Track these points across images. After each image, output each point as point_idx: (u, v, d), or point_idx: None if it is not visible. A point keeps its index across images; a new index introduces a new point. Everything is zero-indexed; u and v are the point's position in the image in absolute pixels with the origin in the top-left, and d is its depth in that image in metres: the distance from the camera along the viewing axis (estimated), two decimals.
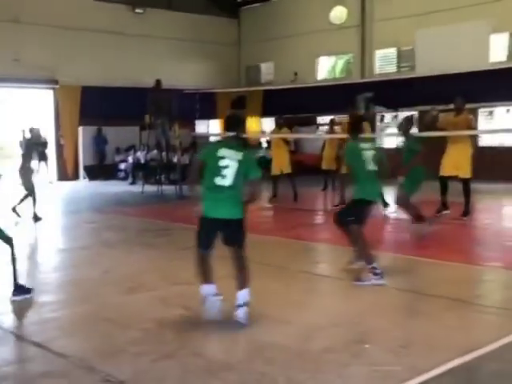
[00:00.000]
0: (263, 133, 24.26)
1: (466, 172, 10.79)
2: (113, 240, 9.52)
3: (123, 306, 5.83)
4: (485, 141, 18.43)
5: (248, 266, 5.39)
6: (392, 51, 22.69)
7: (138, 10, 23.57)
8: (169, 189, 16.30)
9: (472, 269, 7.32)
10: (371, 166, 6.77)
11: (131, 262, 7.90)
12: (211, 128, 26.87)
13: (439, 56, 19.30)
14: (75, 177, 21.95)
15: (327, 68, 25.19)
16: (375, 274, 6.45)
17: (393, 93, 18.79)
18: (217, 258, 5.59)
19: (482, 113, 19.98)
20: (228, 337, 4.88)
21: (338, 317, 5.41)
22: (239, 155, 5.29)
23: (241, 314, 5.18)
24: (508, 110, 19.75)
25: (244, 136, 5.37)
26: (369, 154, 6.83)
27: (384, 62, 23.06)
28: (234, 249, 5.39)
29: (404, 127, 9.74)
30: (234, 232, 5.35)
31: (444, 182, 10.97)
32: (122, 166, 22.08)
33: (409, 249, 8.73)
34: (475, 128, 11.53)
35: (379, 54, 23.03)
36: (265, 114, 25.89)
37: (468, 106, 12.21)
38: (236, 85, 27.02)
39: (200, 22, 25.33)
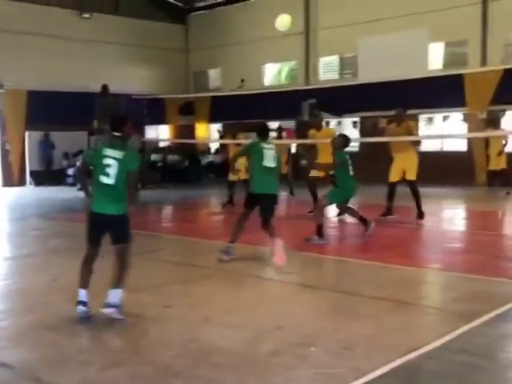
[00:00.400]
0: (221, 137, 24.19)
1: (412, 174, 11.14)
2: (60, 247, 9.33)
3: (70, 314, 5.72)
4: (425, 146, 18.84)
5: (128, 266, 5.67)
6: (335, 58, 23.01)
7: (85, 15, 23.30)
8: None
9: (413, 271, 7.45)
10: (269, 163, 7.87)
11: (78, 269, 7.75)
12: (161, 133, 26.71)
13: (380, 63, 19.72)
14: (21, 182, 21.48)
15: (273, 74, 25.36)
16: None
17: (336, 99, 19.05)
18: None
19: (422, 119, 20.46)
20: (177, 343, 4.84)
21: (284, 320, 5.44)
22: (121, 154, 5.52)
23: (106, 312, 5.41)
24: (446, 117, 20.27)
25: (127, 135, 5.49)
26: (269, 153, 7.92)
27: (328, 69, 23.36)
28: (119, 246, 5.64)
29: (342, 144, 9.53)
30: (116, 228, 5.63)
31: (392, 187, 11.27)
32: (70, 171, 21.69)
33: (352, 252, 8.86)
34: (417, 134, 11.87)
35: (323, 61, 23.32)
36: (213, 119, 25.92)
37: (409, 112, 12.53)
38: (184, 91, 26.95)
39: (148, 28, 25.19)
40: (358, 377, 4.08)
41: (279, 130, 16.36)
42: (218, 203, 13.92)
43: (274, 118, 23.71)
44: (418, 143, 11.88)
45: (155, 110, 23.33)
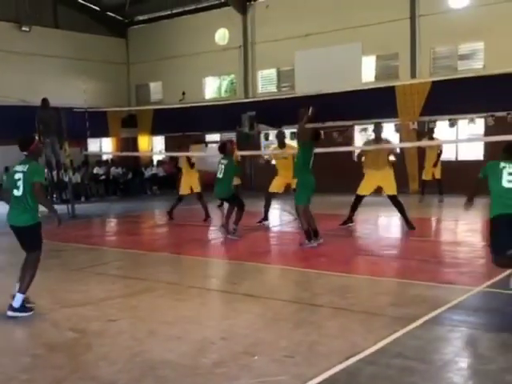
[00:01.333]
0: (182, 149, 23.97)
1: (391, 189, 11.10)
2: (1, 263, 9.07)
3: (13, 332, 5.57)
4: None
5: (35, 273, 6.07)
6: (273, 72, 23.21)
7: (24, 28, 22.80)
8: (60, 208, 15.68)
9: (350, 278, 7.55)
10: (220, 174, 10.79)
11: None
12: (103, 146, 26.33)
13: (317, 76, 20.01)
14: None
15: (213, 88, 25.39)
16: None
17: (275, 111, 19.18)
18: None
19: (357, 130, 20.83)
20: (121, 357, 4.76)
21: (227, 330, 5.43)
22: (25, 168, 6.09)
23: (9, 313, 5.91)
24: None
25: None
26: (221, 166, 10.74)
27: (266, 82, 23.54)
28: (28, 253, 6.14)
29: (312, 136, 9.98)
30: (24, 238, 6.14)
31: (359, 199, 11.39)
32: None
33: (291, 260, 8.91)
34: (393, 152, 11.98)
35: (261, 74, 23.49)
36: (155, 132, 25.75)
37: (344, 123, 12.75)
38: (126, 103, 26.67)
39: (88, 41, 24.87)
40: None
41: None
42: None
43: (215, 131, 23.76)
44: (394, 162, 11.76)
45: (97, 123, 22.90)
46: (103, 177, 22.41)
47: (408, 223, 11.02)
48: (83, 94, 19.48)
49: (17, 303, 5.99)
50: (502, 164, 6.31)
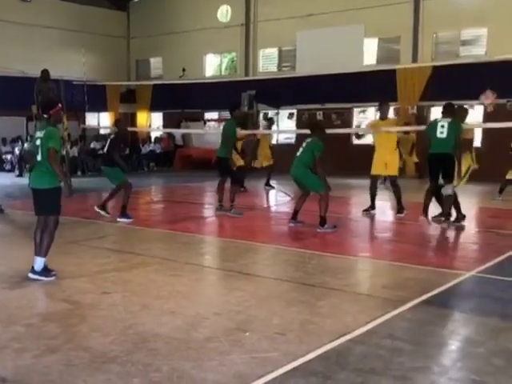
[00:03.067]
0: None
1: (394, 171, 11.03)
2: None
3: (7, 301, 5.60)
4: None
5: (52, 237, 6.29)
6: (274, 51, 23.10)
7: None
8: None
9: (345, 259, 7.59)
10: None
11: (17, 256, 7.58)
12: (102, 120, 26.25)
13: (318, 57, 19.90)
14: None
15: (214, 65, 25.27)
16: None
17: (275, 91, 19.14)
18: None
19: (358, 112, 20.81)
20: (114, 329, 4.80)
21: (220, 306, 5.48)
22: (42, 133, 6.23)
23: (31, 276, 6.17)
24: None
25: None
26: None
27: (267, 61, 23.44)
28: (42, 217, 6.33)
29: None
30: (41, 200, 6.28)
31: (374, 182, 11.20)
32: (8, 157, 21.06)
33: (286, 241, 8.94)
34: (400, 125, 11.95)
35: (263, 53, 23.37)
36: (153, 108, 25.64)
37: (344, 105, 12.73)
38: (126, 78, 26.54)
39: (88, 13, 24.67)
40: (290, 360, 4.15)
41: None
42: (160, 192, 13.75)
43: (214, 109, 23.66)
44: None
45: (96, 97, 22.82)
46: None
47: (400, 207, 10.98)
48: (82, 67, 19.40)
49: (38, 266, 6.21)
50: (438, 119, 9.61)
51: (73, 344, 4.50)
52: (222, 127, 11.28)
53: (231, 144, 11.24)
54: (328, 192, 9.26)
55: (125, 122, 19.89)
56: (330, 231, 9.18)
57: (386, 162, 10.94)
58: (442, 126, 9.35)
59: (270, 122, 16.56)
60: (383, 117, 11.09)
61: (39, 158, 6.23)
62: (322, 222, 9.25)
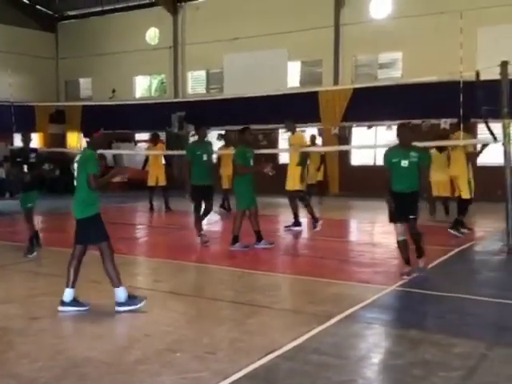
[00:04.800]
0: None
1: (292, 185, 11.07)
2: None
3: None
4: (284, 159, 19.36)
5: (113, 264, 5.98)
6: (203, 73, 23.18)
7: None
8: None
9: (271, 276, 7.64)
10: None
11: None
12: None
13: (245, 79, 20.12)
14: None
15: (144, 87, 25.10)
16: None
17: (204, 112, 19.16)
18: None
19: (282, 133, 21.05)
20: (43, 355, 4.65)
21: (151, 327, 5.41)
22: (79, 157, 6.05)
23: (119, 309, 5.82)
24: (303, 131, 20.94)
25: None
26: None
27: (196, 83, 23.48)
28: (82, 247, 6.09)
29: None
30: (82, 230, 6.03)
31: (289, 197, 11.25)
32: None
33: (215, 259, 8.95)
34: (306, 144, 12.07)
35: (191, 75, 23.41)
36: (84, 128, 25.14)
37: (271, 126, 12.89)
38: (55, 99, 25.98)
39: (15, 34, 24.08)
40: (220, 380, 4.14)
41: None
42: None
43: (145, 129, 23.46)
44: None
45: (24, 118, 22.06)
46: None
47: (315, 221, 11.23)
48: (9, 88, 18.82)
49: (120, 298, 5.84)
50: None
51: (1, 371, 4.33)
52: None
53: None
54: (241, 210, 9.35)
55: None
56: (239, 249, 9.20)
57: (288, 176, 11.15)
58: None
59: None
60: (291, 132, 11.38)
61: (75, 182, 5.96)
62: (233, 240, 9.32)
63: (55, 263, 8.70)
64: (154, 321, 5.66)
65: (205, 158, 9.82)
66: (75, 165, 6.03)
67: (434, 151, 11.90)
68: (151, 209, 14.75)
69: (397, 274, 7.46)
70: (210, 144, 10.40)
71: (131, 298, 5.88)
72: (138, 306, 5.83)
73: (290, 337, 5.01)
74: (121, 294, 5.84)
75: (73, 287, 5.94)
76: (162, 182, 14.81)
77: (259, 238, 9.46)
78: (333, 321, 5.46)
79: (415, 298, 6.49)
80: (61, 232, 9.94)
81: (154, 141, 15.33)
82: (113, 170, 6.31)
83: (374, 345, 5.05)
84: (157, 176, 14.77)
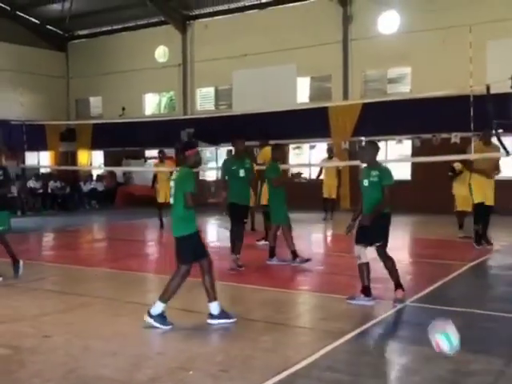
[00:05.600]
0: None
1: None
2: None
3: None
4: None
5: (177, 284, 5.98)
6: (211, 90, 23.29)
7: None
8: None
9: (283, 293, 7.56)
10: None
11: None
12: (41, 160, 25.71)
13: (254, 96, 20.19)
14: None
15: (153, 104, 25.26)
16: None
17: (212, 129, 19.24)
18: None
19: (292, 148, 21.12)
20: (55, 374, 4.63)
21: (164, 345, 5.39)
22: (176, 175, 6.00)
23: (210, 321, 5.93)
24: (312, 146, 20.98)
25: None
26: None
27: (204, 100, 23.59)
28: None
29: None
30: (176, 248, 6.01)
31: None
32: None
33: (224, 276, 8.80)
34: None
35: (200, 92, 23.54)
36: (94, 146, 25.35)
37: (280, 141, 12.85)
38: (65, 117, 26.18)
39: (26, 54, 24.33)
40: None
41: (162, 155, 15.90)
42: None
43: (155, 146, 23.56)
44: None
45: (35, 136, 22.35)
46: (40, 190, 21.81)
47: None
48: (21, 107, 19.00)
49: (215, 310, 5.96)
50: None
51: None
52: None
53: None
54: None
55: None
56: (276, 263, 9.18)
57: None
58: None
59: None
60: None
61: (172, 201, 5.97)
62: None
63: (65, 281, 8.73)
64: (166, 338, 5.63)
65: (241, 173, 8.93)
66: (171, 183, 5.98)
67: (457, 165, 11.67)
68: (161, 226, 14.71)
69: (409, 290, 7.38)
70: (248, 158, 9.31)
71: (224, 313, 5.98)
72: (228, 321, 5.94)
73: (304, 354, 4.97)
74: (216, 307, 5.98)
75: (165, 302, 5.98)
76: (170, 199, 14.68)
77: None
78: (346, 337, 5.41)
79: (429, 313, 6.39)
80: (70, 249, 9.95)
81: (160, 158, 15.32)
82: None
83: (388, 361, 5.00)
84: (166, 193, 14.72)
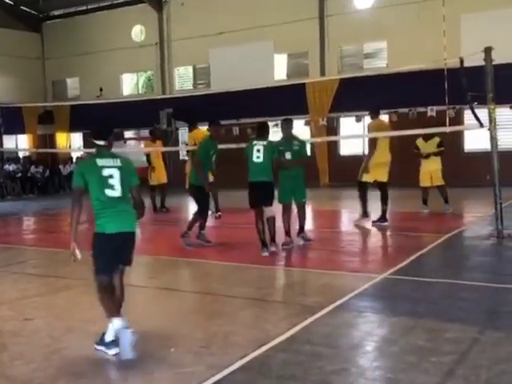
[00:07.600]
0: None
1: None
2: None
3: None
4: None
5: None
6: (189, 69, 23.09)
7: None
8: None
9: (263, 269, 7.61)
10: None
11: None
12: (20, 143, 25.40)
13: (231, 73, 20.05)
14: None
15: (131, 84, 24.99)
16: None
17: (191, 108, 19.09)
18: None
19: (271, 126, 21.02)
20: (38, 356, 4.62)
21: (145, 324, 5.39)
22: (117, 162, 4.82)
23: None
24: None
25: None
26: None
27: (182, 79, 23.39)
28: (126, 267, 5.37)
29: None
30: (131, 246, 5.29)
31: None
32: None
33: (207, 254, 8.81)
34: None
35: (178, 71, 23.33)
36: (72, 128, 25.06)
37: (258, 119, 12.85)
38: (42, 99, 25.83)
39: (1, 36, 23.94)
40: (214, 373, 4.13)
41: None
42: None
43: (133, 127, 23.39)
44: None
45: (12, 120, 22.08)
46: (19, 174, 21.58)
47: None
48: None
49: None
50: (254, 142, 8.22)
51: None
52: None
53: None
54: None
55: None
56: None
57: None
58: (258, 150, 8.10)
59: None
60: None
61: (115, 193, 4.78)
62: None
63: (47, 264, 8.69)
64: (147, 317, 5.64)
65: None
66: (106, 171, 4.71)
67: (419, 140, 11.84)
68: (155, 209, 13.82)
69: (387, 263, 7.48)
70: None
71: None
72: None
73: (283, 328, 5.01)
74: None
75: None
76: (164, 180, 14.12)
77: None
78: (324, 311, 5.46)
79: (406, 285, 6.50)
80: (50, 232, 9.88)
81: (152, 137, 14.69)
82: None
83: (366, 333, 5.05)
84: (159, 175, 14.18)
